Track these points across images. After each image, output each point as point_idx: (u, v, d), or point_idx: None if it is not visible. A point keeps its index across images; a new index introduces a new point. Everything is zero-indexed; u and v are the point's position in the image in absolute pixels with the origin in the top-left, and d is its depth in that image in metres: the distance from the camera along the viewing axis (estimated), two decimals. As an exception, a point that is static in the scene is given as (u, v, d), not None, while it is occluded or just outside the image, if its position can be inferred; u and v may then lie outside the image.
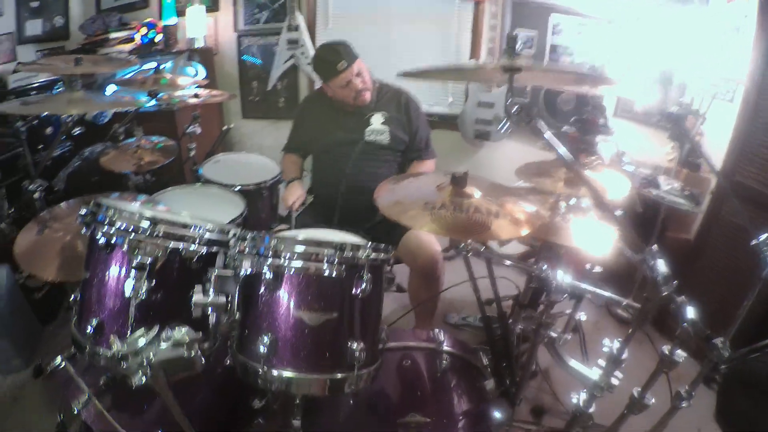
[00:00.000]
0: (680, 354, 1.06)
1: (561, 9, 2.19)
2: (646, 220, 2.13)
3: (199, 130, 2.25)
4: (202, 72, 2.83)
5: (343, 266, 0.82)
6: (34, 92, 2.36)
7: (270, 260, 0.83)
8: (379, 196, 1.04)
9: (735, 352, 1.66)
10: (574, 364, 1.03)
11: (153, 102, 2.58)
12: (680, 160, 2.00)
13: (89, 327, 0.88)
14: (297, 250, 0.83)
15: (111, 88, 2.65)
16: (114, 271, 0.87)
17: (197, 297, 0.79)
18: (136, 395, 1.17)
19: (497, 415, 1.12)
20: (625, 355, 0.97)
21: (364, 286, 0.83)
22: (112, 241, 0.88)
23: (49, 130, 2.40)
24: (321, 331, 0.83)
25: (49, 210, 1.60)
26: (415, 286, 1.62)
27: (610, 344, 0.97)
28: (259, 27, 2.98)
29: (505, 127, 0.80)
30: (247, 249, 0.84)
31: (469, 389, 1.13)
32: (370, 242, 0.87)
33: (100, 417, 1.09)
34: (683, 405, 1.25)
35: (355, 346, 0.83)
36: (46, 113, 2.31)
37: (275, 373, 0.82)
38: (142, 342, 0.71)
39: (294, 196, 1.72)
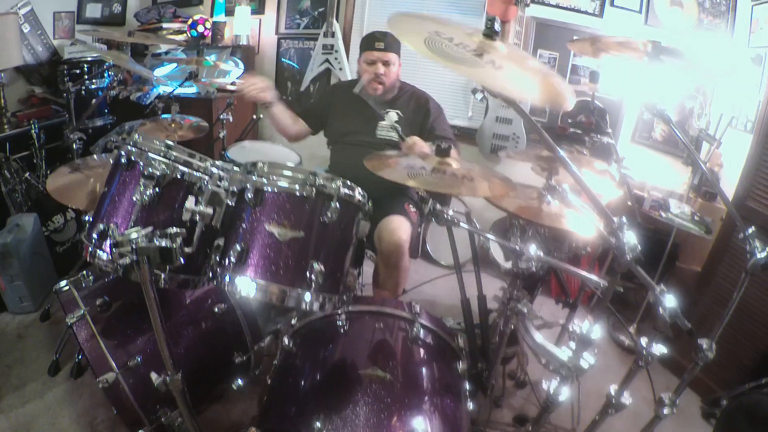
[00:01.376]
0: (658, 348, 1.04)
1: (584, 33, 2.28)
2: (654, 245, 2.10)
3: (231, 118, 2.43)
4: (241, 67, 3.04)
5: (314, 190, 0.92)
6: (86, 65, 2.61)
7: (254, 179, 0.94)
8: (369, 159, 1.14)
9: (742, 387, 1.61)
10: (541, 341, 1.04)
11: (194, 87, 2.81)
12: (693, 186, 1.99)
13: (95, 233, 0.98)
14: (277, 172, 0.94)
15: (158, 72, 2.89)
16: (128, 184, 0.99)
17: (189, 204, 0.90)
18: (126, 323, 1.26)
19: (462, 391, 1.13)
20: (595, 336, 0.97)
21: (330, 213, 0.92)
22: (132, 159, 0.99)
23: (93, 102, 2.63)
24: (287, 246, 0.93)
25: (83, 159, 1.76)
26: (379, 271, 1.67)
27: (580, 325, 0.98)
28: (299, 32, 3.21)
29: (480, 96, 0.85)
30: (238, 170, 0.94)
31: (438, 363, 1.15)
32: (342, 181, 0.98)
33: (91, 339, 1.18)
34: (665, 412, 1.22)
35: (315, 266, 0.92)
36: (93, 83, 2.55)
37: (242, 278, 0.91)
38: (135, 235, 0.79)
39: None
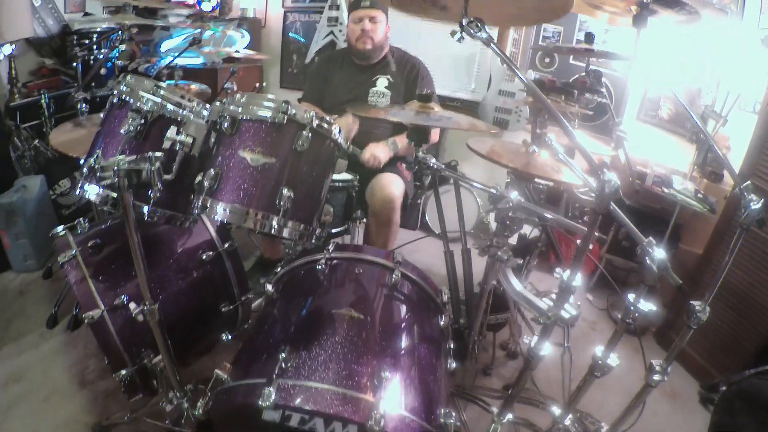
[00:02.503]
0: (647, 305, 1.02)
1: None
2: (657, 223, 2.06)
3: (235, 87, 2.45)
4: (247, 38, 3.07)
5: (286, 117, 0.95)
6: (95, 35, 2.65)
7: (231, 108, 0.97)
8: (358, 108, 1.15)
9: (742, 373, 1.58)
10: (520, 289, 1.03)
11: (201, 58, 2.83)
12: (698, 164, 1.95)
13: (86, 168, 1.00)
14: (253, 102, 0.98)
15: (166, 45, 2.93)
16: (118, 121, 1.01)
17: (170, 133, 0.92)
18: (116, 266, 1.28)
19: (441, 344, 1.12)
20: (576, 283, 0.95)
21: (302, 142, 0.95)
22: (123, 98, 1.01)
23: (102, 71, 2.68)
24: (259, 172, 0.95)
25: (88, 116, 1.80)
26: (371, 228, 1.70)
27: (561, 273, 0.96)
28: (305, 5, 3.22)
29: (458, 37, 0.84)
30: (218, 104, 0.97)
31: (417, 312, 1.16)
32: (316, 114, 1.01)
33: (81, 278, 1.20)
34: (655, 378, 1.19)
35: (285, 192, 0.95)
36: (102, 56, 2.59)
37: (215, 201, 0.95)
38: (120, 161, 0.81)
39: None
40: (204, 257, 1.37)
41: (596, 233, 1.45)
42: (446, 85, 2.32)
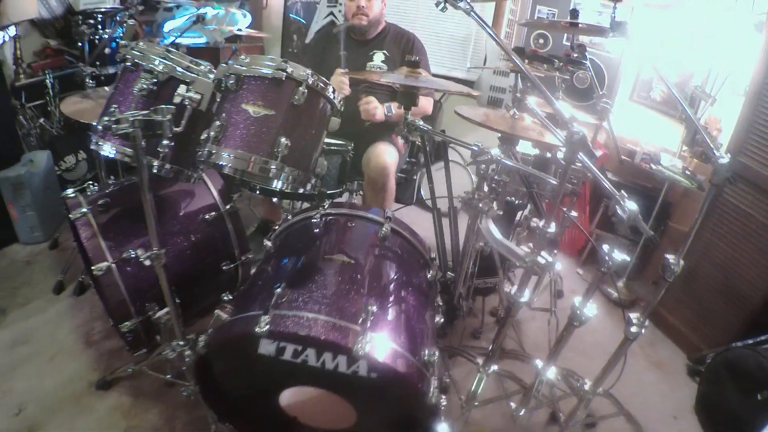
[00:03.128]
0: (620, 255, 1.10)
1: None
2: (646, 200, 2.14)
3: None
4: (249, 18, 3.15)
5: (285, 74, 1.06)
6: (100, 15, 2.73)
7: (236, 66, 1.07)
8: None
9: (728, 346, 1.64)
10: (500, 237, 1.11)
11: (203, 38, 2.91)
12: (686, 142, 2.02)
13: (100, 126, 1.09)
14: (256, 62, 1.08)
15: (169, 25, 3.01)
16: (131, 82, 1.11)
17: (181, 89, 1.01)
18: (124, 223, 1.37)
19: (428, 294, 1.21)
20: (552, 231, 1.03)
21: (298, 97, 1.06)
22: (136, 62, 1.11)
23: (107, 51, 2.76)
24: (260, 122, 1.05)
25: (94, 90, 1.89)
26: (366, 195, 1.81)
27: (537, 222, 1.04)
28: (305, -15, 3.30)
29: (441, 6, 0.92)
30: (224, 65, 1.06)
31: (405, 263, 1.25)
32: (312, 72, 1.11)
33: (91, 235, 1.30)
34: (633, 330, 1.28)
35: (282, 140, 1.05)
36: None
37: (223, 151, 1.04)
38: (135, 113, 0.90)
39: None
40: (206, 217, 1.47)
41: (569, 186, 1.53)
42: (442, 64, 2.40)
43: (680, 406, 1.73)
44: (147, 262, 1.07)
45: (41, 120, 2.75)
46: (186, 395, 1.30)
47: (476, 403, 1.46)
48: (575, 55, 1.53)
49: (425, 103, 1.95)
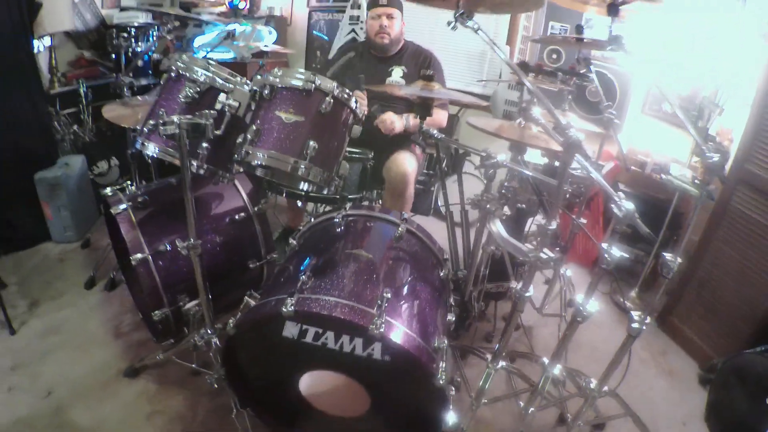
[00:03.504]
0: (618, 251, 1.19)
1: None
2: (658, 212, 2.22)
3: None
4: (275, 35, 3.37)
5: (314, 86, 1.21)
6: (134, 29, 2.97)
7: (270, 78, 1.23)
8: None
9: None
10: (506, 235, 1.21)
11: (231, 53, 3.12)
12: (696, 152, 2.10)
13: (146, 128, 1.25)
14: (288, 74, 1.24)
15: (199, 41, 3.25)
16: (176, 90, 1.27)
17: (221, 97, 1.17)
18: (160, 218, 1.53)
19: (441, 290, 1.32)
20: (553, 227, 1.13)
21: (325, 106, 1.23)
22: (180, 72, 1.28)
23: (140, 63, 3.00)
24: (291, 127, 1.21)
25: (130, 98, 2.08)
26: (387, 199, 1.95)
27: (541, 221, 1.15)
28: (328, 4, 3.53)
29: (452, 25, 1.06)
30: (260, 77, 1.22)
31: (419, 261, 1.37)
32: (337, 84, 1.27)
33: (130, 227, 1.45)
34: (634, 326, 1.35)
35: (311, 143, 1.20)
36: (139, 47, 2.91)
37: (258, 151, 1.19)
38: (178, 119, 1.05)
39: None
40: (236, 218, 1.62)
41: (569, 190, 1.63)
42: (459, 80, 2.55)
43: (690, 413, 1.77)
44: (184, 252, 1.21)
45: (74, 127, 2.98)
46: (210, 383, 1.42)
47: (485, 401, 1.55)
48: (579, 68, 1.65)
49: (440, 116, 2.08)
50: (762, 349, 1.64)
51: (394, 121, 1.89)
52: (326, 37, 3.54)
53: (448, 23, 1.13)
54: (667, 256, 1.27)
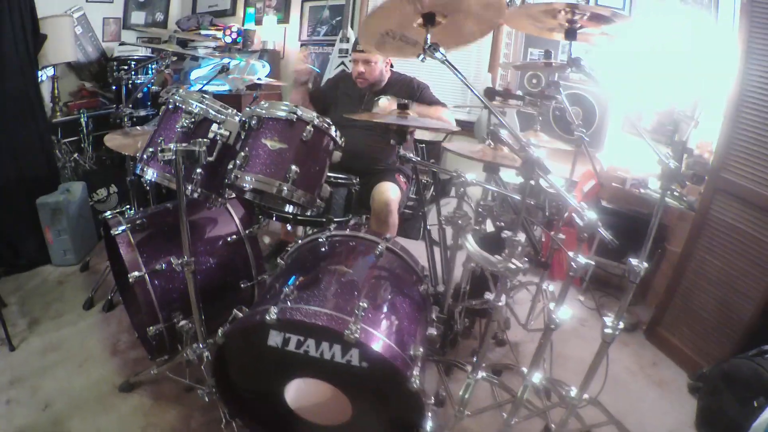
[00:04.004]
0: (584, 259, 1.31)
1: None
2: (641, 225, 2.33)
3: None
4: (267, 68, 3.60)
5: (296, 116, 1.38)
6: (134, 63, 3.21)
7: (257, 110, 1.40)
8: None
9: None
10: (475, 247, 1.34)
11: (226, 86, 3.35)
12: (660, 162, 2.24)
13: (145, 155, 1.41)
14: (273, 106, 1.42)
15: (195, 73, 3.48)
16: (173, 121, 1.43)
17: (214, 127, 1.33)
18: (157, 240, 1.67)
19: (421, 305, 1.44)
20: (520, 238, 1.26)
21: (306, 134, 1.40)
22: (177, 105, 1.44)
23: (140, 95, 3.21)
24: (275, 153, 1.37)
25: (131, 128, 2.26)
26: (372, 224, 2.10)
27: (507, 233, 1.28)
28: (319, 38, 3.77)
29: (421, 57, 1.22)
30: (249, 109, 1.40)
31: (398, 276, 1.50)
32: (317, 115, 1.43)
33: (128, 247, 1.59)
34: (607, 332, 1.46)
35: (293, 168, 1.36)
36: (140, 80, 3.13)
37: (246, 176, 1.35)
38: (174, 146, 1.21)
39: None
40: (228, 240, 1.78)
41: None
42: (463, 112, 2.73)
43: (680, 422, 1.82)
44: (178, 269, 1.35)
45: (75, 155, 3.18)
46: (202, 395, 1.52)
47: (468, 412, 1.64)
48: (549, 91, 1.82)
49: (446, 115, 2.18)
50: (750, 353, 1.70)
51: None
52: (318, 70, 3.76)
53: (418, 55, 1.30)
54: (633, 261, 1.38)
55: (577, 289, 2.64)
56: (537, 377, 1.53)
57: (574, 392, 1.54)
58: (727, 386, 1.67)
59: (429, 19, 1.22)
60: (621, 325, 1.45)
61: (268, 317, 1.13)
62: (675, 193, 2.16)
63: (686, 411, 1.86)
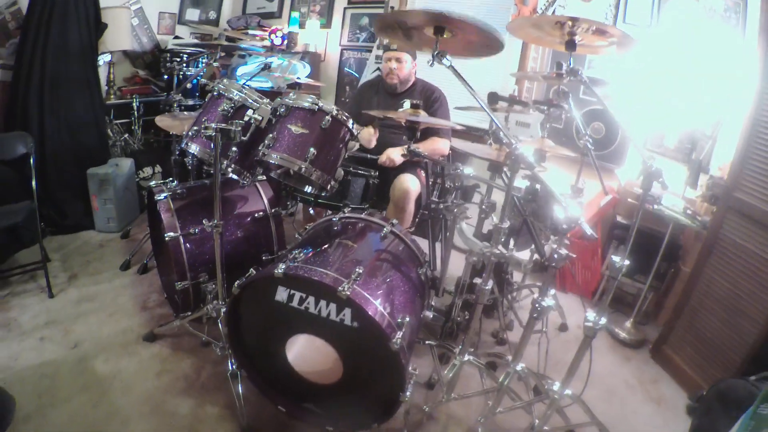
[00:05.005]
0: (561, 252, 1.48)
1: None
2: (655, 242, 2.45)
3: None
4: (308, 69, 3.95)
5: (317, 107, 1.67)
6: (186, 55, 3.65)
7: (285, 100, 1.70)
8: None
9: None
10: (465, 230, 1.55)
11: (269, 83, 3.72)
12: (689, 183, 2.35)
13: (190, 132, 1.74)
14: (300, 97, 1.71)
15: (241, 70, 3.89)
16: (216, 105, 1.76)
17: (249, 113, 1.63)
18: (194, 208, 1.98)
19: (419, 283, 1.67)
20: (505, 225, 1.47)
21: (324, 123, 1.69)
22: (220, 92, 1.77)
23: (189, 86, 3.65)
24: (298, 136, 1.67)
25: (179, 113, 2.64)
26: (390, 212, 2.34)
27: (494, 221, 1.48)
28: (358, 44, 4.11)
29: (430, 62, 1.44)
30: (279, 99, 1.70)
31: (398, 256, 1.73)
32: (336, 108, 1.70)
33: (168, 212, 1.91)
34: (587, 325, 1.61)
35: (312, 150, 1.65)
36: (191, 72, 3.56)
37: (273, 153, 1.65)
38: (215, 125, 1.51)
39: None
40: (256, 216, 2.09)
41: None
42: (472, 116, 2.93)
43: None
44: (209, 229, 1.64)
45: (125, 135, 3.64)
46: (215, 348, 1.81)
47: (455, 395, 1.82)
48: (557, 100, 2.01)
49: (439, 144, 2.46)
50: (752, 378, 1.73)
51: (394, 159, 2.31)
52: (356, 74, 4.10)
53: (428, 61, 1.54)
54: (614, 258, 1.53)
55: (588, 302, 2.76)
56: (520, 366, 1.71)
57: (557, 386, 1.69)
58: (721, 406, 1.72)
59: (439, 30, 1.46)
60: (602, 320, 1.59)
61: (276, 271, 1.39)
62: (688, 212, 2.27)
63: (678, 429, 1.93)
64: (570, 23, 1.55)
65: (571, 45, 1.58)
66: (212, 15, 4.58)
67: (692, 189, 2.43)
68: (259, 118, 1.70)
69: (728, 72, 2.44)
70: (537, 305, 1.60)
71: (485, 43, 1.51)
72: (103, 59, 3.63)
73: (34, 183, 2.27)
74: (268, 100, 1.85)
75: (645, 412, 2.06)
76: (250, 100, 1.79)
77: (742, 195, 2.04)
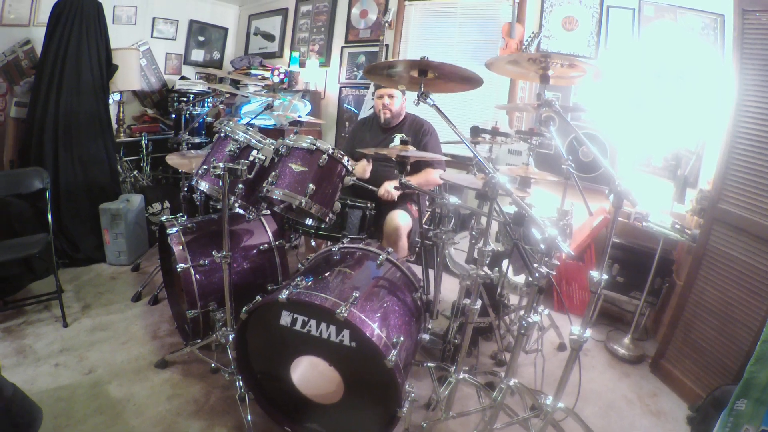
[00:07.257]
0: (543, 271, 1.63)
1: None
2: (647, 259, 2.58)
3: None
4: (309, 107, 4.23)
5: (315, 147, 1.87)
6: (192, 96, 3.93)
7: (287, 141, 1.91)
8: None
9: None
10: (454, 255, 1.71)
11: (272, 121, 4.00)
12: (676, 198, 2.51)
13: (200, 171, 1.95)
14: (300, 139, 1.92)
15: (245, 108, 4.17)
16: (223, 146, 1.97)
17: (253, 153, 1.83)
18: (203, 241, 2.17)
19: (413, 308, 1.83)
20: (490, 248, 1.63)
21: (322, 161, 1.89)
22: (227, 134, 1.99)
23: (195, 125, 3.91)
24: (298, 175, 1.85)
25: (186, 151, 2.87)
26: (385, 244, 2.50)
27: (481, 244, 1.65)
28: (356, 81, 4.39)
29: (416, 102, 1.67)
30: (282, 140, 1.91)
31: (394, 282, 1.89)
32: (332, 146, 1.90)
33: (179, 245, 2.10)
34: (573, 337, 1.74)
35: (310, 186, 1.84)
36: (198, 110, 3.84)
37: (275, 190, 1.84)
38: (223, 165, 1.72)
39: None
40: (261, 248, 2.27)
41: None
42: (464, 147, 3.16)
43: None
44: (218, 260, 1.83)
45: (135, 172, 3.89)
46: (224, 373, 1.96)
47: (453, 414, 1.94)
48: (540, 130, 2.21)
49: (434, 176, 2.63)
50: None
51: (391, 192, 2.50)
52: (355, 110, 4.37)
53: (414, 101, 1.75)
54: (593, 273, 1.68)
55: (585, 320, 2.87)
56: (512, 381, 1.83)
57: (549, 400, 1.81)
58: (716, 412, 1.79)
59: (422, 72, 1.68)
60: (588, 333, 1.72)
61: (280, 297, 1.56)
62: (676, 226, 2.41)
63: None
64: (542, 59, 1.75)
65: (545, 78, 1.77)
66: (216, 55, 4.93)
67: (680, 204, 2.59)
68: (263, 157, 1.91)
69: (710, 88, 2.63)
70: (523, 321, 1.74)
71: (466, 79, 1.72)
72: (113, 98, 3.91)
73: (50, 216, 2.44)
74: (271, 140, 2.06)
75: (643, 425, 2.14)
76: (254, 141, 2.01)
77: (725, 205, 2.16)
